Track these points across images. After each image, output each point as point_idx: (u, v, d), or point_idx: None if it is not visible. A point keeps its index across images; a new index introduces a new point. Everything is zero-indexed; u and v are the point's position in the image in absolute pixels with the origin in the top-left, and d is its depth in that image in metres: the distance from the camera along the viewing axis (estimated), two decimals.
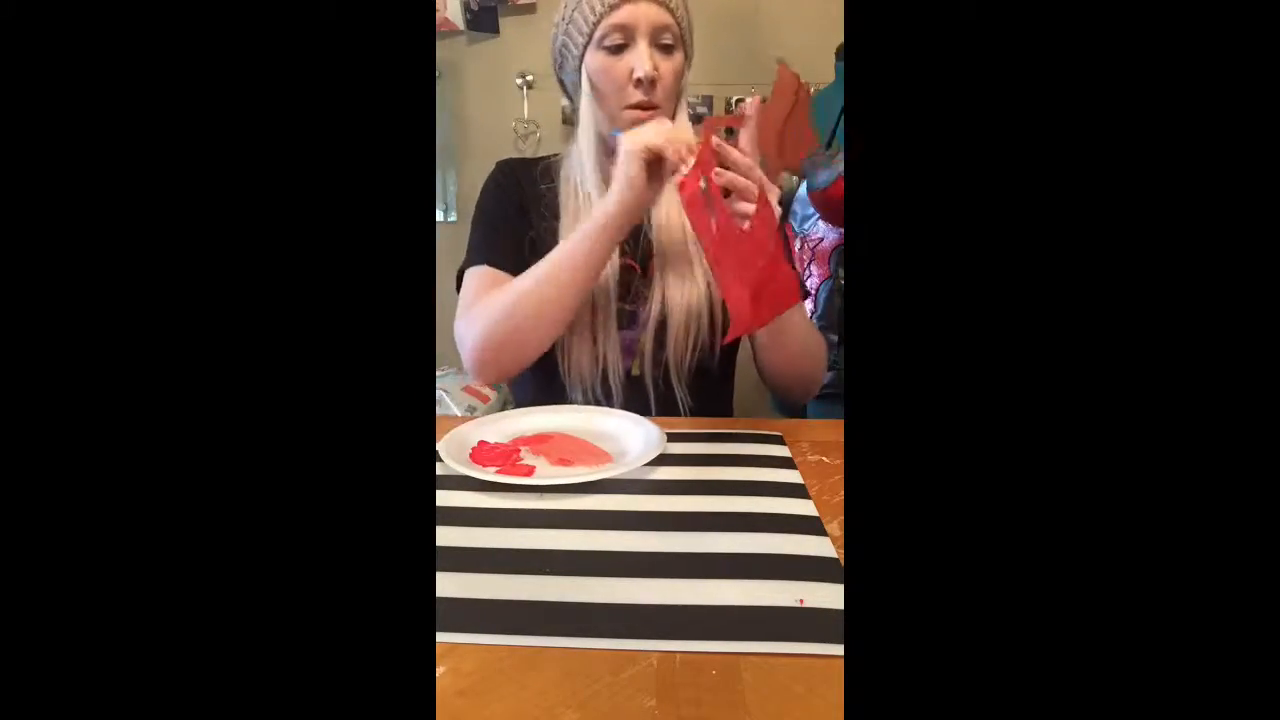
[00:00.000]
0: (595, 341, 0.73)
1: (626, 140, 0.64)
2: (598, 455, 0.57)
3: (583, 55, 0.73)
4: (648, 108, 0.71)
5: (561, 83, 0.80)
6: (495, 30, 1.88)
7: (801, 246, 1.36)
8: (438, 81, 1.77)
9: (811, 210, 1.31)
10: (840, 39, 1.43)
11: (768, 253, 0.54)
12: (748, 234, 0.54)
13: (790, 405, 0.84)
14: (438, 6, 1.81)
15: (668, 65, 0.72)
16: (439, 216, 1.85)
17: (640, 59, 0.69)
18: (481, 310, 0.70)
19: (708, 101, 1.87)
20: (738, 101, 1.88)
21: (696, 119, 2.05)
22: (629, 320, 0.75)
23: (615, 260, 0.74)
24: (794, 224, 1.38)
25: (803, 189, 1.35)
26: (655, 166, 0.64)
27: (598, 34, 0.71)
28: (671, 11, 0.71)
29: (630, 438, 0.60)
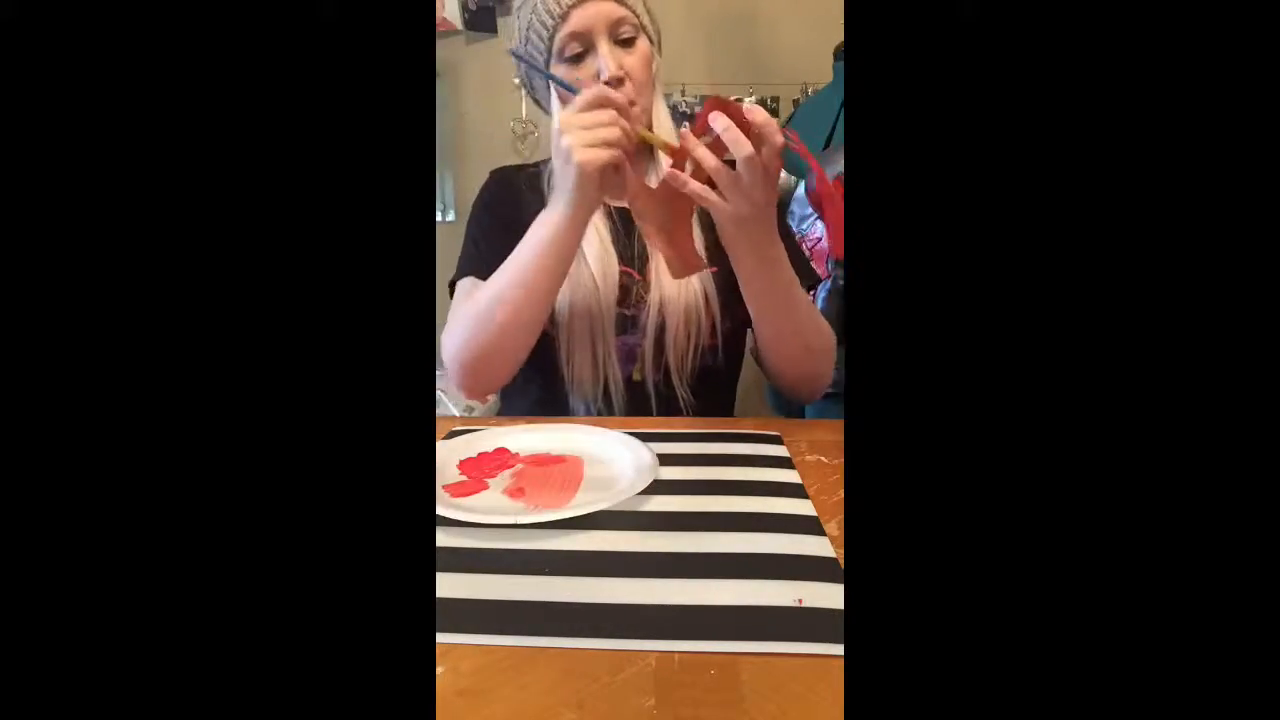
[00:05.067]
0: (595, 350, 0.72)
1: (574, 146, 0.57)
2: (560, 495, 0.51)
3: (548, 69, 0.72)
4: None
5: (533, 97, 0.79)
6: (493, 30, 1.87)
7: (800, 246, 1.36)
8: (437, 83, 1.76)
9: (810, 210, 1.32)
10: (839, 38, 1.43)
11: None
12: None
13: (794, 402, 0.83)
14: (436, 6, 1.81)
15: (633, 58, 0.69)
16: (438, 216, 1.85)
17: (604, 60, 0.68)
18: (457, 321, 0.69)
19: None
20: (736, 100, 1.88)
21: (690, 117, 2.05)
22: (629, 325, 0.74)
23: (613, 267, 0.73)
24: (792, 224, 1.38)
25: (800, 189, 1.35)
26: (610, 170, 0.59)
27: (555, 47, 0.69)
28: (623, 2, 0.69)
29: (623, 466, 0.55)
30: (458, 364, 0.69)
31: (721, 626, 0.36)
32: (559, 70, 0.70)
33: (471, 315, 0.67)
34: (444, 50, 1.86)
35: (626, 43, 0.70)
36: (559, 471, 0.56)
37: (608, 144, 0.58)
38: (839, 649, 0.34)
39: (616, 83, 0.68)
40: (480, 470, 0.56)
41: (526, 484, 0.53)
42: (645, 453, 0.56)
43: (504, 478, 0.55)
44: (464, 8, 1.85)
